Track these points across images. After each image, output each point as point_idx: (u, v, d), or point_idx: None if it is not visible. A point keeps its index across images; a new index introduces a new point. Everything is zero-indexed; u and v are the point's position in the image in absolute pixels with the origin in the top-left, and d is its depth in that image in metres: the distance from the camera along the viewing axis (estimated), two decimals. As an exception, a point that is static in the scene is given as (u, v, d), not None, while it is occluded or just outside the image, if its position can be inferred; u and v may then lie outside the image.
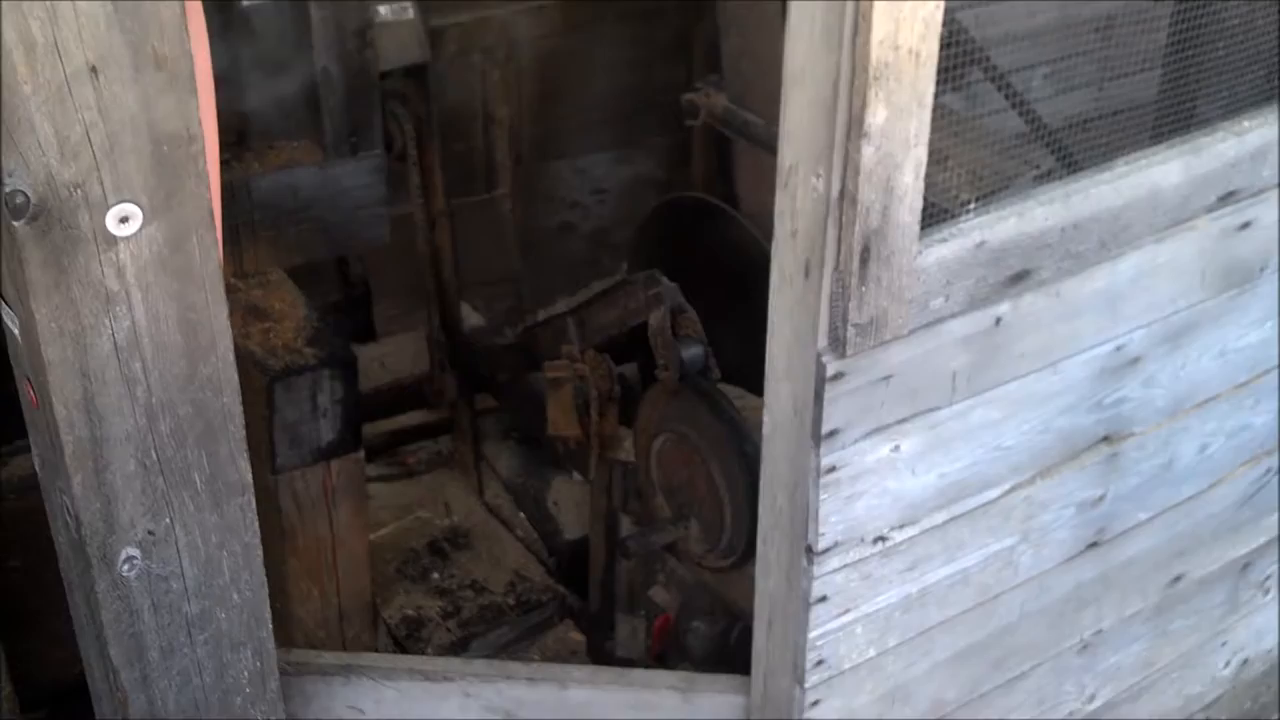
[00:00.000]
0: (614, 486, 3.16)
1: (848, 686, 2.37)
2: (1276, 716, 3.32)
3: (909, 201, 1.89)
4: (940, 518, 2.29)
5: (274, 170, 2.90)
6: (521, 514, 3.85)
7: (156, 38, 1.53)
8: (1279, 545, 3.01)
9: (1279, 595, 3.14)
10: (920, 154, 1.86)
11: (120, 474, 1.75)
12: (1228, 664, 3.17)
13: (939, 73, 1.82)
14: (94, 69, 1.51)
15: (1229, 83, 2.34)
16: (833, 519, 2.14)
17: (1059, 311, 2.22)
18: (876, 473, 2.16)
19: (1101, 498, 2.51)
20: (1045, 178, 2.24)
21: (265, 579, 1.97)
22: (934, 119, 1.85)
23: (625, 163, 4.41)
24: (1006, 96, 2.65)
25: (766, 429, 2.14)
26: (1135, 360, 2.39)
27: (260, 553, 1.94)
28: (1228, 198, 2.34)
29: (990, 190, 2.11)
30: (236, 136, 2.91)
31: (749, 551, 2.66)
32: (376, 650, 3.17)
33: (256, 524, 1.91)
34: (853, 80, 1.78)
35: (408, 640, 3.46)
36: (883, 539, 2.24)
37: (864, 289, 1.92)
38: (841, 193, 1.86)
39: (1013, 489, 2.36)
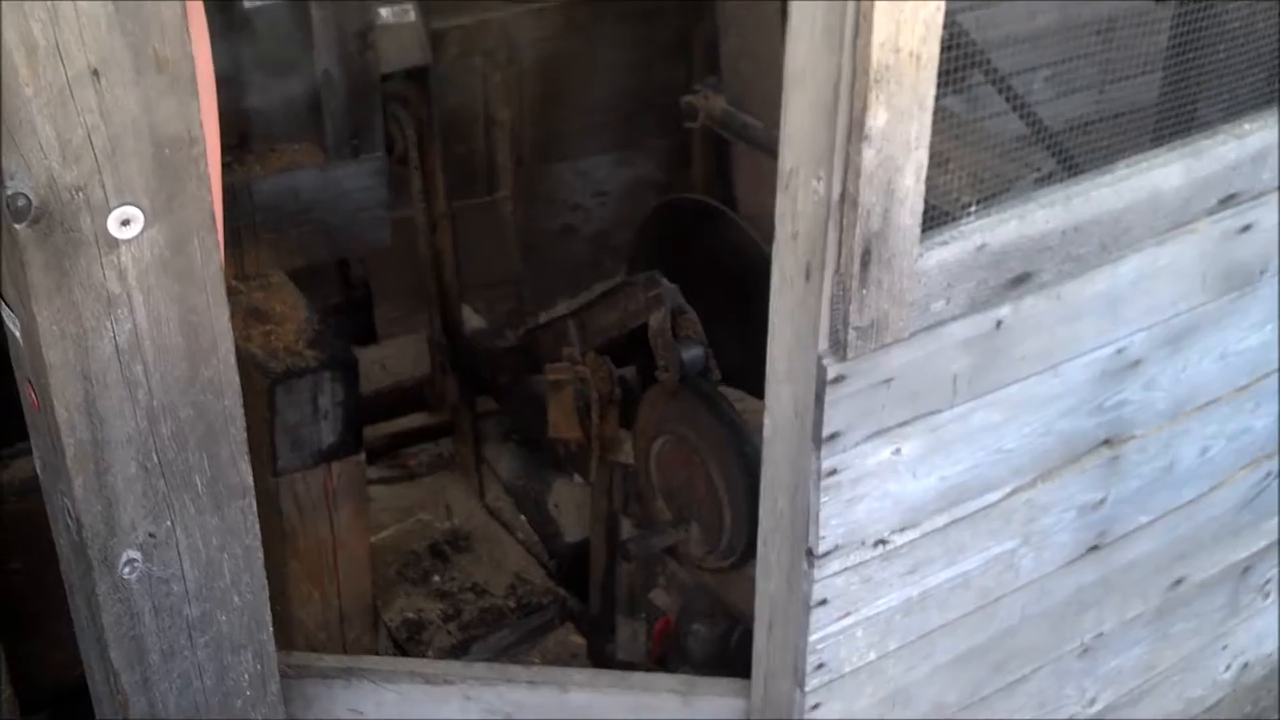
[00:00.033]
0: (615, 489, 3.16)
1: (848, 690, 2.37)
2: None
3: (910, 204, 1.90)
4: (941, 521, 2.29)
5: (275, 173, 2.90)
6: (522, 516, 3.85)
7: (158, 40, 1.53)
8: (1279, 549, 3.01)
9: (1279, 599, 3.14)
10: (921, 157, 1.86)
11: (121, 476, 1.75)
12: (1228, 667, 3.17)
13: (940, 75, 1.82)
14: (95, 71, 1.51)
15: (1230, 85, 2.34)
16: (833, 522, 2.15)
17: (1060, 314, 2.22)
18: (877, 475, 2.16)
19: (1102, 501, 2.51)
20: (1046, 180, 2.24)
21: (266, 581, 1.97)
22: (935, 121, 1.85)
23: (626, 165, 4.41)
24: (1007, 99, 2.65)
25: (767, 432, 2.14)
26: (1136, 363, 2.39)
27: (261, 555, 1.94)
28: (1228, 200, 2.34)
29: (991, 193, 2.11)
30: (238, 139, 2.92)
31: (748, 552, 2.66)
32: (377, 653, 3.17)
33: (257, 526, 1.91)
34: (853, 83, 1.78)
35: (408, 643, 3.46)
36: (883, 542, 2.24)
37: (865, 292, 1.92)
38: (842, 195, 1.86)
39: (1014, 492, 2.36)
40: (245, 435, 1.83)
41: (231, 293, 1.92)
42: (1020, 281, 2.12)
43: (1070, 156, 2.33)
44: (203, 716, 2.02)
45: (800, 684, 2.30)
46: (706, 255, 3.09)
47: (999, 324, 2.15)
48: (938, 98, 1.84)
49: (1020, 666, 2.65)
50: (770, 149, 3.18)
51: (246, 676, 2.03)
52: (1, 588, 2.76)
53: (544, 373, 3.11)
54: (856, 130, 1.80)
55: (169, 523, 1.82)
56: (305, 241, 2.97)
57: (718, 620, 3.00)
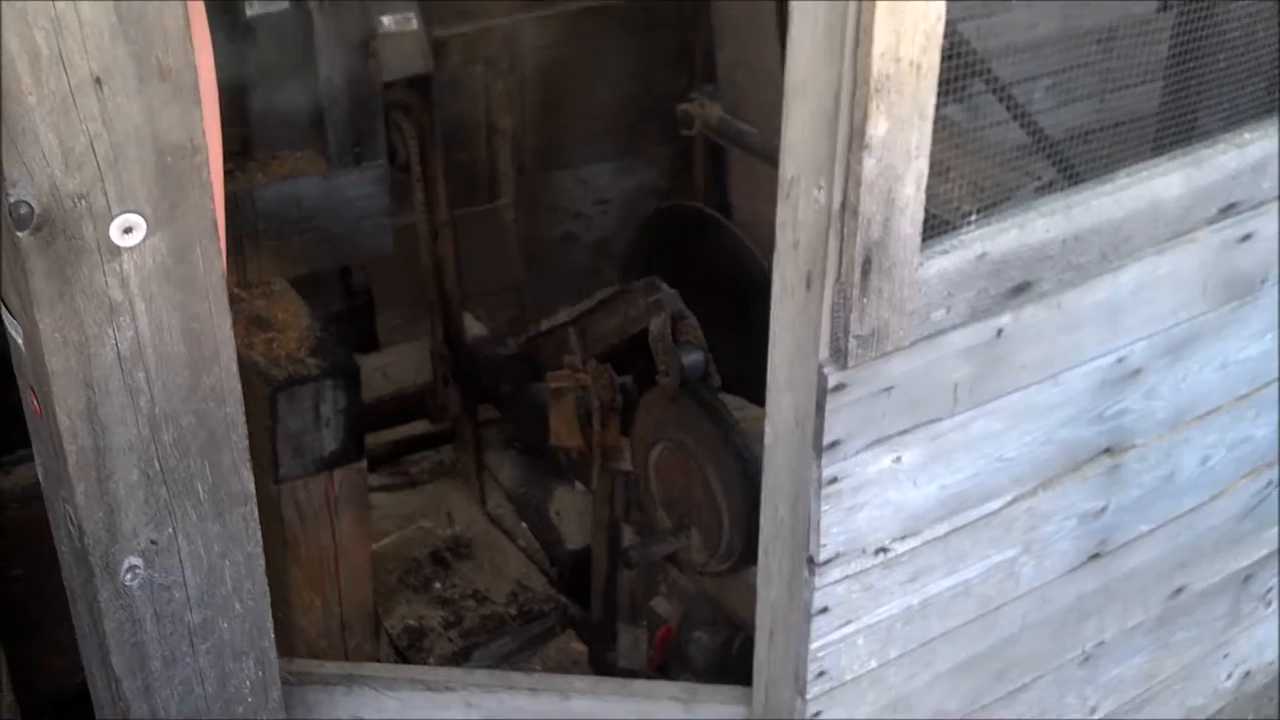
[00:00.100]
0: (616, 496, 3.16)
1: (849, 698, 2.37)
2: (1278, 728, 3.32)
3: (910, 213, 1.90)
4: (942, 529, 2.29)
5: (277, 180, 2.90)
6: (523, 524, 3.85)
7: (161, 49, 1.54)
8: (1280, 557, 3.01)
9: (1280, 607, 3.14)
10: (921, 166, 1.87)
11: (123, 483, 1.75)
12: (1229, 676, 3.17)
13: (941, 84, 1.83)
14: (98, 80, 1.51)
15: (1230, 95, 2.35)
16: (834, 530, 2.15)
17: (1060, 323, 2.22)
18: (878, 484, 2.16)
19: (1103, 509, 2.51)
20: (1046, 189, 2.24)
21: (267, 588, 1.98)
22: (935, 131, 1.86)
23: (628, 173, 4.42)
24: (1008, 108, 2.65)
25: (768, 440, 2.14)
26: (1136, 372, 2.39)
27: (262, 562, 1.94)
28: (1229, 210, 2.34)
29: (991, 202, 2.11)
30: (240, 146, 2.92)
31: (746, 555, 2.67)
32: (378, 660, 3.17)
33: (259, 533, 1.92)
34: (854, 92, 1.78)
35: (410, 650, 3.46)
36: (884, 550, 2.24)
37: (865, 300, 1.93)
38: (843, 204, 1.87)
39: (1014, 500, 2.36)
40: (247, 443, 1.84)
41: (233, 300, 1.92)
42: (1021, 290, 2.13)
43: (1071, 165, 2.33)
44: (204, 723, 2.02)
45: (801, 692, 2.30)
46: (700, 262, 3.10)
47: (999, 333, 2.15)
48: (938, 107, 1.84)
49: (1021, 675, 2.65)
50: (766, 156, 3.20)
51: (248, 683, 2.03)
52: (3, 594, 2.76)
53: (545, 380, 3.11)
54: (857, 139, 1.80)
55: (170, 530, 1.82)
56: (307, 249, 2.98)
57: (719, 628, 3.00)
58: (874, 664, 2.36)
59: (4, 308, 1.72)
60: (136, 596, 1.84)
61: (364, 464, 2.84)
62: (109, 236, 1.59)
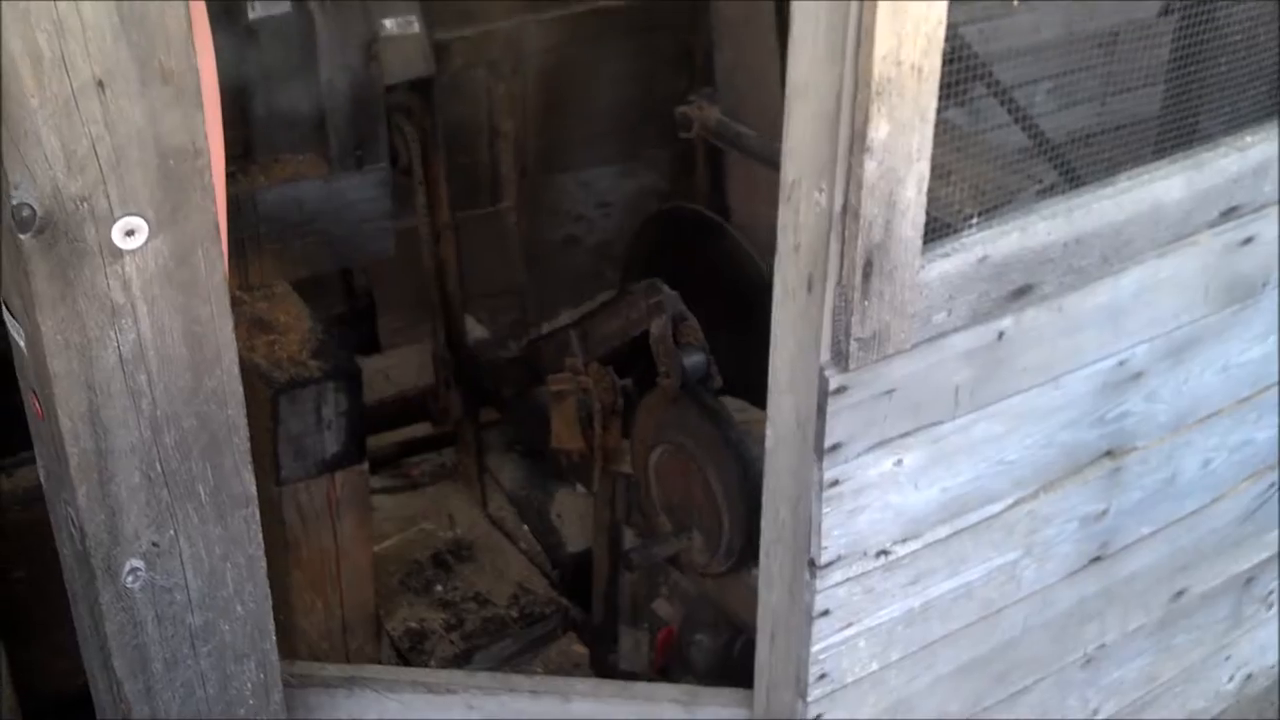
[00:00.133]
0: (617, 499, 3.16)
1: (850, 700, 2.37)
2: (1280, 731, 3.32)
3: (911, 216, 1.90)
4: (943, 532, 2.29)
5: (279, 183, 2.91)
6: (525, 526, 3.85)
7: (163, 52, 1.54)
8: (1282, 560, 3.01)
9: (1282, 610, 3.14)
10: (923, 169, 1.87)
11: (125, 486, 1.76)
12: (1231, 679, 3.17)
13: (942, 87, 1.83)
14: (101, 83, 1.51)
15: (1231, 98, 2.35)
16: (835, 532, 2.15)
17: (1061, 326, 2.22)
18: (879, 486, 2.16)
19: (1104, 512, 2.51)
20: (1048, 192, 2.24)
21: (269, 591, 1.98)
22: (937, 133, 1.86)
23: (629, 175, 4.42)
24: (1010, 111, 2.65)
25: (769, 442, 2.14)
26: (1138, 375, 2.39)
27: (264, 564, 1.95)
28: (1230, 213, 2.34)
29: (993, 205, 2.11)
30: (242, 149, 2.92)
31: (745, 555, 2.67)
32: (380, 662, 3.17)
33: (260, 536, 1.92)
34: (855, 95, 1.78)
35: (411, 652, 3.46)
36: (885, 553, 2.24)
37: (866, 303, 1.93)
38: (844, 207, 1.87)
39: (1015, 503, 2.36)
40: (248, 445, 1.84)
41: (235, 303, 1.92)
42: (1022, 293, 2.13)
43: (1072, 168, 2.33)
44: (205, 726, 2.02)
45: (803, 694, 2.30)
46: (698, 265, 3.10)
47: (1000, 336, 2.15)
48: (940, 110, 1.84)
49: (1022, 677, 2.65)
50: (764, 158, 3.20)
51: (249, 685, 2.03)
52: (5, 596, 2.77)
53: (547, 383, 3.11)
54: (858, 142, 1.81)
55: (172, 532, 1.82)
56: (309, 252, 2.98)
57: (720, 630, 3.00)
58: (875, 666, 2.36)
59: (6, 310, 1.72)
60: (138, 599, 1.84)
61: (366, 466, 2.85)
62: (111, 239, 1.60)
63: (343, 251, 3.05)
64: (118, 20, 1.50)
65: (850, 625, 2.27)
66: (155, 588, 1.85)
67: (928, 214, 1.92)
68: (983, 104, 2.56)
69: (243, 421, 1.81)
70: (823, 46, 1.78)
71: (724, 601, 2.94)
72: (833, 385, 2.00)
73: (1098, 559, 2.58)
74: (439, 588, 3.66)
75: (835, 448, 2.06)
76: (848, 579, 2.22)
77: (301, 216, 2.92)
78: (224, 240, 1.72)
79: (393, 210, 3.07)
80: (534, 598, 3.62)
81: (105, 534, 1.77)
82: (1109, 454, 2.45)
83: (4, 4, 1.43)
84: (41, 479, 1.88)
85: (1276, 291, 2.51)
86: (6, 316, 1.72)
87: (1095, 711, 2.88)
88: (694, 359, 2.70)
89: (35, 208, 1.54)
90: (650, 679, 3.16)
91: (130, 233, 1.61)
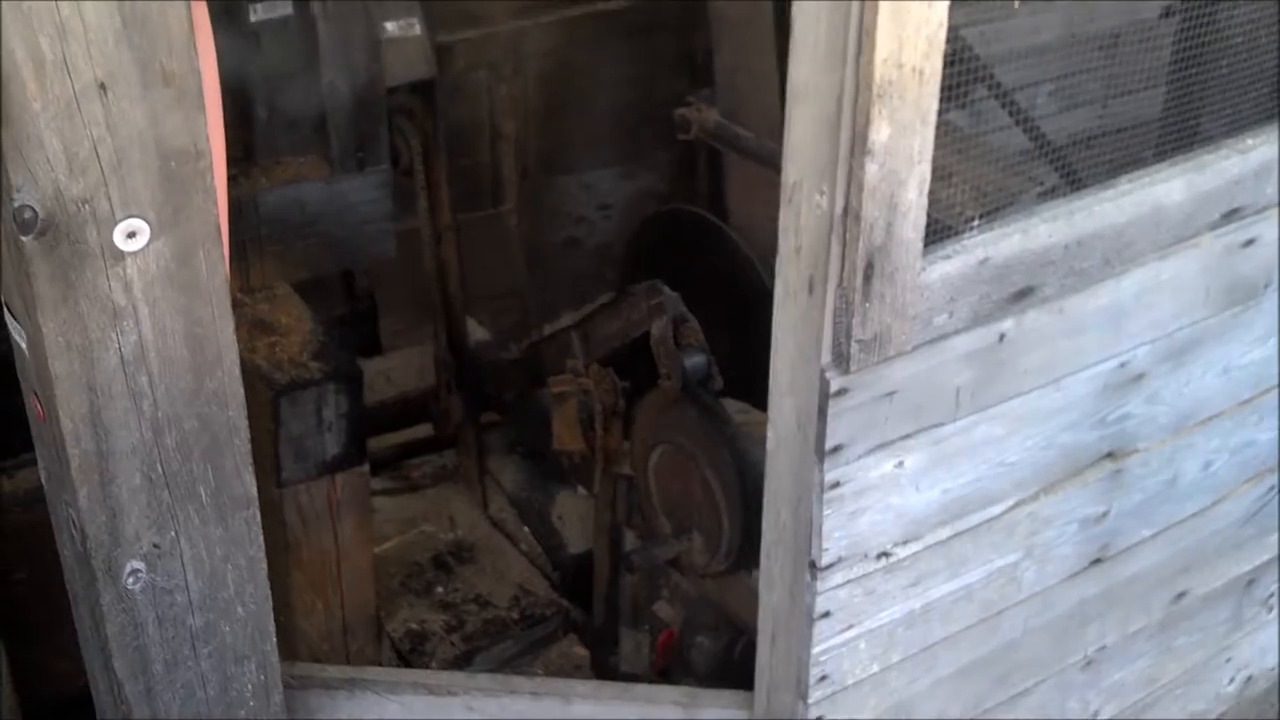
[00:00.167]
0: (618, 500, 3.17)
1: (851, 702, 2.37)
2: (1280, 733, 3.32)
3: (913, 218, 1.90)
4: (944, 534, 2.30)
5: (281, 185, 2.91)
6: (526, 528, 3.85)
7: (165, 54, 1.54)
8: (1283, 562, 3.01)
9: (1283, 612, 3.14)
10: (924, 171, 1.87)
11: (126, 487, 1.76)
12: (1232, 681, 3.17)
13: (943, 90, 1.83)
14: (103, 85, 1.52)
15: (1233, 100, 2.35)
16: (836, 534, 2.15)
17: (1062, 328, 2.22)
18: (880, 488, 2.16)
19: (1105, 514, 2.51)
20: (1049, 195, 2.24)
21: (269, 592, 1.98)
22: (938, 136, 1.86)
23: (630, 178, 4.42)
24: (1011, 113, 2.65)
25: (770, 444, 2.14)
26: (1139, 377, 2.39)
27: (265, 566, 1.95)
28: (1231, 215, 2.34)
29: (994, 207, 2.11)
30: (244, 151, 2.92)
31: (744, 554, 2.67)
32: (380, 664, 3.17)
33: (261, 537, 1.92)
34: (856, 97, 1.79)
35: (411, 654, 3.46)
36: (886, 555, 2.24)
37: (868, 305, 1.93)
38: (845, 209, 1.87)
39: (1016, 505, 2.36)
40: (249, 446, 1.84)
41: (236, 305, 1.93)
42: (1023, 295, 2.13)
43: (1073, 171, 2.33)
44: (206, 727, 2.02)
45: (803, 696, 2.30)
46: (696, 266, 3.10)
47: (1002, 337, 2.15)
48: (941, 112, 1.84)
49: (1023, 679, 2.65)
50: (762, 159, 3.20)
51: (250, 687, 2.03)
52: (6, 598, 2.77)
53: (548, 385, 3.11)
54: (859, 144, 1.81)
55: (173, 533, 1.82)
56: (310, 254, 2.98)
57: (721, 632, 3.00)
58: (876, 668, 2.36)
59: (7, 311, 1.72)
60: (139, 600, 1.84)
61: (366, 468, 2.85)
62: (112, 241, 1.60)
63: (344, 253, 3.05)
64: (120, 23, 1.50)
65: (851, 627, 2.27)
66: (156, 589, 1.85)
67: (929, 216, 1.92)
68: (984, 106, 2.56)
69: (244, 423, 1.81)
70: (824, 49, 1.78)
71: (725, 603, 2.94)
72: (834, 387, 2.00)
73: (1098, 561, 2.58)
74: (440, 589, 3.67)
75: (836, 449, 2.07)
76: (848, 581, 2.22)
77: (303, 218, 2.92)
78: (225, 242, 1.72)
79: (394, 212, 3.07)
80: (535, 599, 3.62)
81: (106, 535, 1.77)
82: (1110, 456, 2.45)
83: (6, 7, 1.43)
84: (42, 480, 1.88)
85: (1277, 293, 2.51)
86: (8, 318, 1.72)
87: (1096, 713, 2.88)
88: (695, 360, 2.70)
89: (37, 210, 1.54)
90: (651, 681, 3.16)
91: (132, 235, 1.61)
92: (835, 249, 1.90)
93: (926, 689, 2.48)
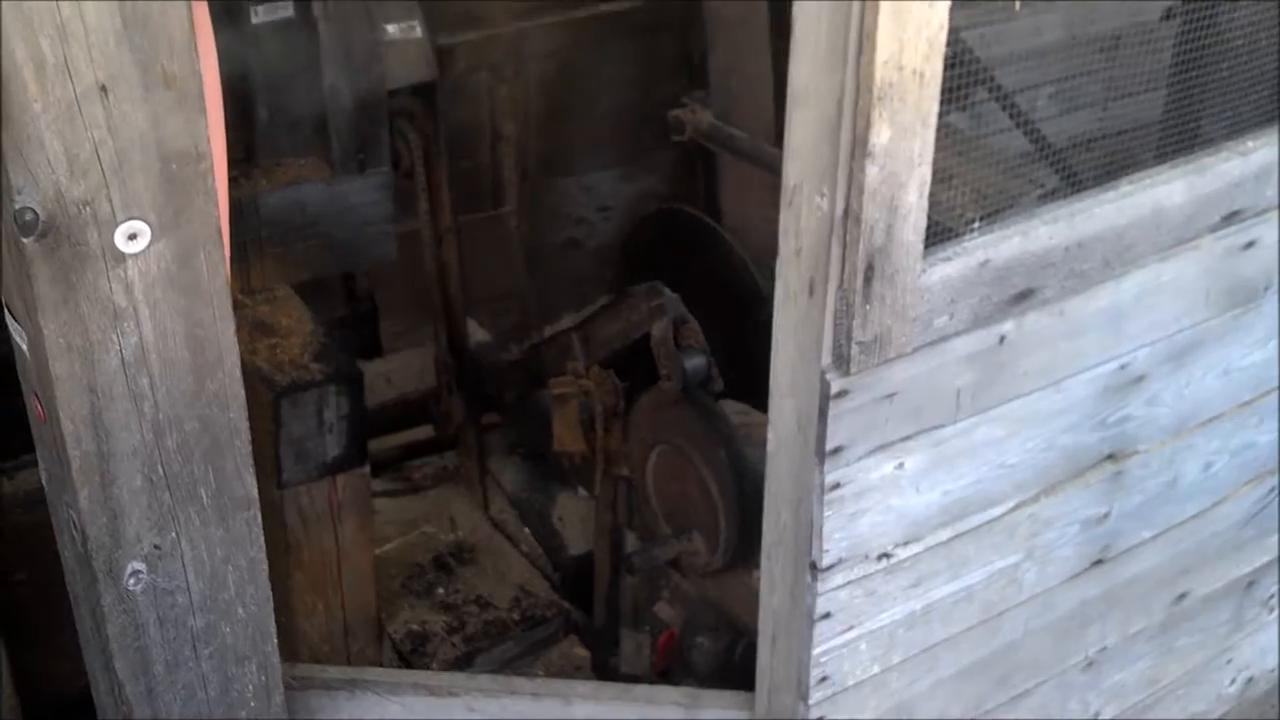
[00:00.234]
0: (619, 502, 3.17)
1: (852, 703, 2.37)
2: (1281, 735, 3.32)
3: (913, 220, 1.90)
4: (944, 535, 2.30)
5: (282, 187, 2.91)
6: (526, 529, 3.85)
7: (166, 57, 1.54)
8: (1283, 564, 3.01)
9: (1284, 614, 3.14)
10: (924, 173, 1.87)
11: (127, 488, 1.76)
12: (1233, 682, 3.17)
13: (944, 92, 1.83)
14: (104, 88, 1.52)
15: (1233, 102, 2.35)
16: (837, 535, 2.15)
17: (1063, 330, 2.22)
18: (880, 490, 2.16)
19: (1106, 515, 2.52)
20: (1049, 197, 2.24)
21: (270, 593, 1.98)
22: (938, 138, 1.86)
23: (630, 179, 4.42)
24: (1011, 116, 2.65)
25: (770, 445, 2.14)
26: (1139, 379, 2.39)
27: (265, 567, 1.95)
28: (1231, 217, 2.34)
29: (994, 209, 2.11)
30: (244, 153, 2.93)
31: (742, 550, 2.68)
32: (381, 665, 3.17)
33: (262, 538, 1.92)
34: (857, 100, 1.79)
35: (412, 655, 3.47)
36: (887, 556, 2.24)
37: (868, 307, 1.93)
38: (846, 211, 1.87)
39: (1017, 506, 2.36)
40: (250, 448, 1.84)
41: (237, 306, 1.93)
42: (1023, 297, 2.13)
43: (1074, 173, 2.33)
44: (207, 728, 2.02)
45: (804, 697, 2.30)
46: (691, 266, 3.11)
47: (1002, 339, 2.15)
48: (942, 114, 1.84)
49: (1024, 680, 2.65)
50: (756, 160, 3.20)
51: (251, 688, 2.03)
52: (7, 599, 2.77)
53: (548, 386, 3.11)
54: (860, 147, 1.81)
55: (174, 534, 1.83)
56: (311, 255, 2.98)
57: (722, 633, 3.00)
58: (876, 669, 2.37)
59: (8, 313, 1.72)
60: (139, 601, 1.84)
61: (367, 469, 2.85)
62: (113, 243, 1.60)
63: (345, 255, 3.05)
64: (120, 25, 1.50)
65: (851, 628, 2.27)
66: (157, 590, 1.85)
67: (929, 218, 1.92)
68: (984, 108, 2.56)
69: (244, 424, 1.82)
70: (824, 51, 1.78)
71: (725, 604, 2.94)
72: (834, 389, 2.00)
73: (1099, 562, 2.58)
74: (440, 590, 3.67)
75: (836, 451, 2.07)
76: (849, 582, 2.22)
77: (304, 220, 2.92)
78: (226, 244, 1.72)
79: (394, 214, 3.07)
80: (535, 600, 3.62)
81: (107, 536, 1.78)
82: (1110, 457, 2.45)
83: (6, 7, 1.44)
84: (43, 482, 1.88)
85: (1277, 296, 2.51)
86: (9, 320, 1.73)
87: (1096, 714, 2.88)
88: (695, 361, 2.70)
89: (38, 211, 1.54)
90: (651, 682, 3.16)
91: (133, 236, 1.61)
92: (836, 251, 1.90)
93: (927, 690, 2.48)
